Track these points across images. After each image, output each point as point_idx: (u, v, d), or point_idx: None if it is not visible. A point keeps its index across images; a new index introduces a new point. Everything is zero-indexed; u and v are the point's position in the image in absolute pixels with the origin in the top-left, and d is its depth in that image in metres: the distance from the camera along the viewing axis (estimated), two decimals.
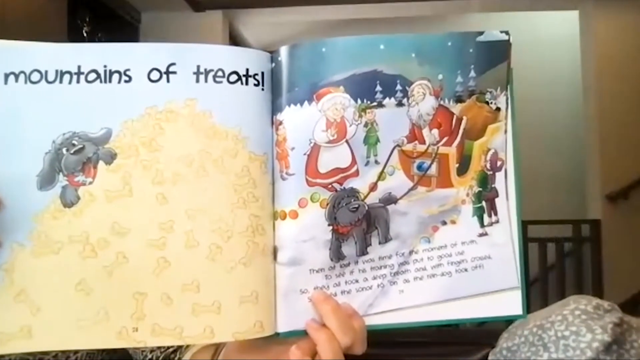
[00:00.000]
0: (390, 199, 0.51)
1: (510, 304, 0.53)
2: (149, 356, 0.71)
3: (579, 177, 4.03)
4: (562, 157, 4.40)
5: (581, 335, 0.57)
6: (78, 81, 0.47)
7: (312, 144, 0.49)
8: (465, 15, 4.24)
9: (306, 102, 0.49)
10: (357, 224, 0.50)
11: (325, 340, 0.48)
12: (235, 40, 4.17)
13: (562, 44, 4.36)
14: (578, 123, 4.02)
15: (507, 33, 0.52)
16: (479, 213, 0.53)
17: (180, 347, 0.71)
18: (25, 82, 0.47)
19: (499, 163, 0.53)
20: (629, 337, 0.56)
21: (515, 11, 4.06)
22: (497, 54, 0.52)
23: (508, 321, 1.09)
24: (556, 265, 3.61)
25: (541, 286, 3.57)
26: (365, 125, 0.50)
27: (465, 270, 0.52)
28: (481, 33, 0.51)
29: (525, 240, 3.60)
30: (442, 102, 0.51)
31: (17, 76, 0.47)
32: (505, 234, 0.53)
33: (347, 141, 0.50)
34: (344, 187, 0.50)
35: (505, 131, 0.53)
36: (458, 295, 0.52)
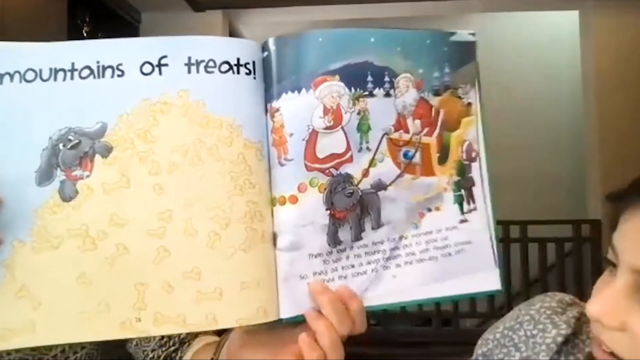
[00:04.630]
0: (380, 185, 0.53)
1: (490, 281, 0.56)
2: (150, 355, 0.71)
3: (579, 177, 4.03)
4: (562, 157, 4.40)
5: (547, 332, 0.59)
6: (72, 78, 0.48)
7: (310, 130, 0.50)
8: (466, 15, 4.24)
9: (304, 90, 0.50)
10: (351, 209, 0.52)
11: (324, 330, 0.49)
12: None
13: (562, 44, 4.36)
14: (578, 123, 4.02)
15: (473, 35, 0.56)
16: (459, 201, 0.55)
17: (181, 346, 0.71)
18: (20, 81, 0.47)
19: (473, 154, 0.56)
20: (586, 328, 0.58)
21: (516, 11, 4.06)
22: (466, 53, 0.56)
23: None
24: (556, 265, 3.60)
25: (541, 286, 3.56)
26: (358, 113, 0.52)
27: (450, 254, 0.54)
28: (453, 33, 0.55)
29: (525, 240, 3.60)
30: (422, 95, 0.54)
31: (12, 76, 0.47)
32: (482, 220, 0.56)
33: (342, 128, 0.51)
34: (340, 172, 0.51)
35: (477, 124, 0.56)
36: (444, 278, 0.54)
